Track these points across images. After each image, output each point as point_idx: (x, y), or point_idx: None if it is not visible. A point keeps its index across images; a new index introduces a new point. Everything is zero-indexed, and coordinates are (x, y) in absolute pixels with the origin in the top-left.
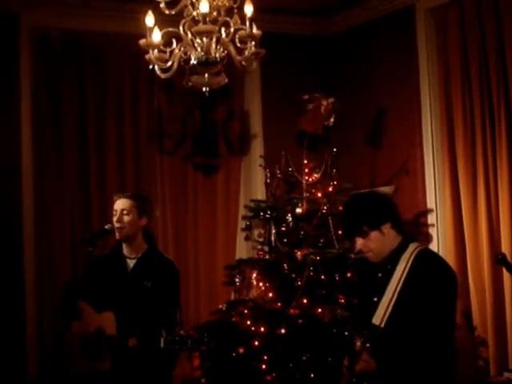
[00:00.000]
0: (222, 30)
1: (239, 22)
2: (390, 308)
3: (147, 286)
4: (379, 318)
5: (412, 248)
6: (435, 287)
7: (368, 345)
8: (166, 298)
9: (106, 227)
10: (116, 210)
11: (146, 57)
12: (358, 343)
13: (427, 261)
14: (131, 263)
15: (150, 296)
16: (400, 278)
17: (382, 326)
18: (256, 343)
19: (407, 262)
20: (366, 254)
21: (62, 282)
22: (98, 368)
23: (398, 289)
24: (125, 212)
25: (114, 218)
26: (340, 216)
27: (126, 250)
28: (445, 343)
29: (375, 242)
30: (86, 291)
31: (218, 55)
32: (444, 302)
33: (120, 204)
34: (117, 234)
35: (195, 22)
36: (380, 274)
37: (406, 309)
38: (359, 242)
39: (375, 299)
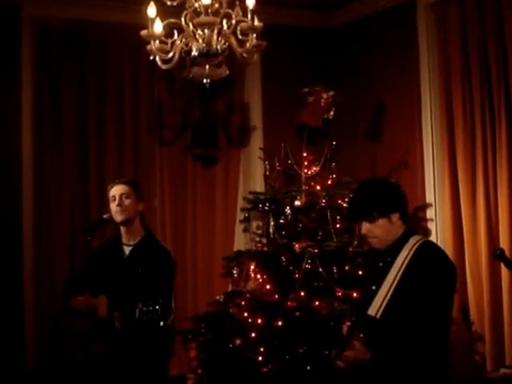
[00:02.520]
0: (224, 21)
1: (241, 13)
2: (387, 299)
3: (141, 271)
4: (375, 308)
5: (413, 241)
6: (434, 281)
7: (361, 335)
8: (157, 283)
9: (105, 216)
10: (115, 196)
11: (148, 48)
12: (345, 328)
13: (427, 254)
14: (127, 250)
15: (141, 281)
16: (399, 270)
17: (378, 316)
18: (253, 335)
19: (407, 255)
20: (370, 239)
21: (60, 273)
22: (92, 352)
23: (397, 281)
24: (125, 196)
25: (114, 203)
26: (350, 198)
27: (124, 236)
28: (439, 337)
29: (382, 229)
30: (84, 281)
31: (219, 47)
32: (442, 295)
33: (118, 190)
34: (117, 218)
35: (197, 13)
36: (381, 264)
37: (403, 301)
38: (365, 227)
39: (373, 288)
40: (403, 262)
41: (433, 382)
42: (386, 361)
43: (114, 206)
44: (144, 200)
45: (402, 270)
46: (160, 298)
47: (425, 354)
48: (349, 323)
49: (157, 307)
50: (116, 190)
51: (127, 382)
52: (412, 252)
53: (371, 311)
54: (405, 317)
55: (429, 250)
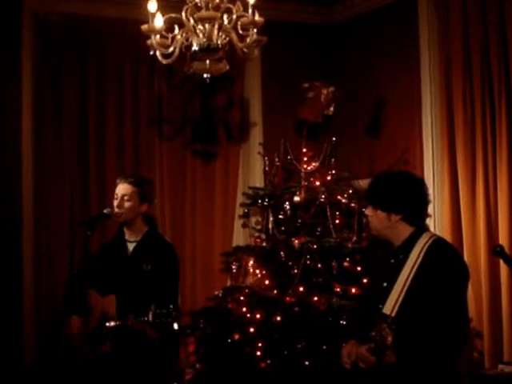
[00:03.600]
0: (225, 16)
1: (242, 8)
2: (402, 297)
3: (147, 268)
4: (390, 307)
5: (426, 238)
6: (448, 277)
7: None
8: (165, 281)
9: (105, 211)
10: (117, 194)
11: (148, 42)
12: (390, 338)
13: (441, 251)
14: (131, 246)
15: (149, 278)
16: (412, 268)
17: (393, 315)
18: (251, 330)
19: (420, 252)
20: (369, 222)
21: (60, 269)
22: (100, 350)
23: (410, 278)
24: (126, 198)
25: (115, 203)
26: (376, 179)
27: (126, 233)
28: (457, 332)
29: (379, 222)
30: (90, 277)
31: (219, 42)
32: (456, 291)
33: (122, 189)
34: (115, 218)
35: (198, 8)
36: (392, 261)
37: (417, 298)
38: (368, 210)
39: (385, 285)
40: (416, 260)
41: (445, 381)
42: (403, 359)
43: (114, 205)
44: (150, 200)
45: (415, 269)
46: (169, 296)
47: (441, 353)
48: (392, 333)
49: (170, 308)
50: (119, 189)
51: (130, 381)
52: (424, 250)
53: (386, 310)
54: (420, 314)
55: (441, 248)
